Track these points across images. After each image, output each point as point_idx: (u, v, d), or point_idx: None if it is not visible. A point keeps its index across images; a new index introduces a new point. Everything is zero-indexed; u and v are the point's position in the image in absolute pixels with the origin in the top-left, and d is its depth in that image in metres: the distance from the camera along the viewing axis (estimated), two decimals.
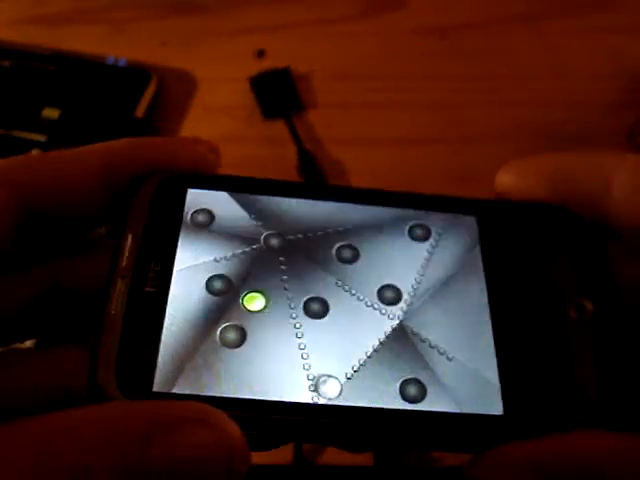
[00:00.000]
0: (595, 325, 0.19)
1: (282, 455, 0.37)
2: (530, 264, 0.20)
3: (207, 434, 0.14)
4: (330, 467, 0.37)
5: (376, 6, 0.54)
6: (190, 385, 0.17)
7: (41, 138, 0.45)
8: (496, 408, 0.17)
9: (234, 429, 0.15)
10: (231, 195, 0.20)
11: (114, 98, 0.48)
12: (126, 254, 0.18)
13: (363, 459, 0.36)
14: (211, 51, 0.52)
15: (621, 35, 0.51)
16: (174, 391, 0.17)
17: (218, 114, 0.49)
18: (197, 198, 0.20)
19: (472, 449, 0.17)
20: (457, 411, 0.17)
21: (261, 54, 0.52)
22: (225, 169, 0.48)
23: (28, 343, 0.32)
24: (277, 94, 0.49)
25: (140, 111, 0.47)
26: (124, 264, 0.18)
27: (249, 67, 0.50)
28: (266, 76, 0.50)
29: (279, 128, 0.48)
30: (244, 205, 0.20)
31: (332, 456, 0.37)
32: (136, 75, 0.49)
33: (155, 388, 0.17)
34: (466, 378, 0.18)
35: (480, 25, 0.53)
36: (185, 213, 0.19)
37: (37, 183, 0.18)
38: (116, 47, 0.51)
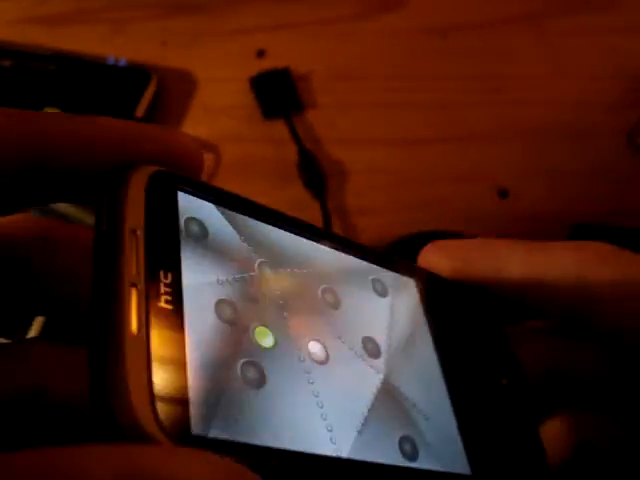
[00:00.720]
0: (511, 397, 0.21)
1: None
2: (459, 335, 0.21)
3: None
4: None
5: (376, 6, 0.54)
6: (223, 428, 0.14)
7: None
8: (465, 468, 0.18)
9: None
10: (218, 209, 0.18)
11: (114, 98, 0.48)
12: (132, 256, 0.14)
13: None
14: (211, 51, 0.52)
15: (621, 35, 0.51)
16: (211, 435, 0.14)
17: (218, 114, 0.49)
18: (187, 204, 0.17)
19: None
20: (440, 470, 0.18)
21: (261, 54, 0.52)
22: (225, 169, 0.48)
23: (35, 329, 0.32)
24: (277, 94, 0.49)
25: (140, 111, 0.47)
26: (133, 269, 0.14)
27: (249, 67, 0.50)
28: (266, 76, 0.50)
29: (279, 128, 0.48)
30: (233, 224, 0.18)
31: None
32: (136, 75, 0.49)
33: (193, 430, 0.13)
34: (441, 438, 0.18)
35: (480, 25, 0.53)
36: (180, 219, 0.16)
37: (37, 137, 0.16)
38: (116, 47, 0.51)
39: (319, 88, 0.50)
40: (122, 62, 0.50)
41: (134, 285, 0.14)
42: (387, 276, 0.21)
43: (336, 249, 0.20)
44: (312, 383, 0.16)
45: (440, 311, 0.21)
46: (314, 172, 0.46)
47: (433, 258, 0.23)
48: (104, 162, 0.17)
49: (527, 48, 0.52)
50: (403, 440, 0.17)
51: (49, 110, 0.46)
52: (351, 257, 0.20)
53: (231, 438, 0.14)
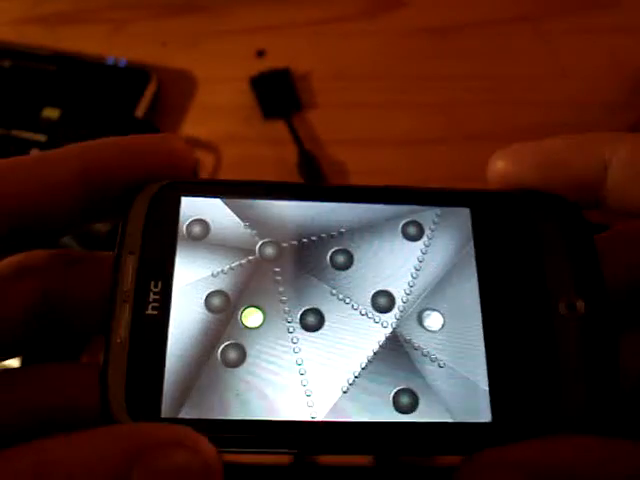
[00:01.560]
0: (586, 325, 0.18)
1: (282, 455, 0.37)
2: (523, 259, 0.19)
3: (187, 457, 0.15)
4: (330, 467, 0.37)
5: (376, 6, 0.54)
6: (195, 408, 0.17)
7: (41, 138, 0.45)
8: (485, 415, 0.17)
9: (211, 451, 0.15)
10: (224, 202, 0.19)
11: (114, 98, 0.48)
12: (126, 276, 0.18)
13: (363, 459, 0.36)
14: (211, 51, 0.52)
15: (621, 35, 0.51)
16: (181, 416, 0.17)
17: (218, 114, 0.49)
18: (191, 207, 0.19)
19: (461, 453, 0.17)
20: (448, 420, 0.17)
21: (261, 54, 0.52)
22: (225, 169, 0.48)
23: (14, 363, 0.32)
24: (277, 94, 0.49)
25: (140, 111, 0.47)
26: (125, 287, 0.18)
27: (249, 67, 0.50)
28: (266, 76, 0.50)
29: (279, 128, 0.48)
30: (238, 212, 0.19)
31: (332, 456, 0.37)
32: (136, 75, 0.49)
33: (163, 414, 0.17)
34: (457, 385, 0.18)
35: (480, 25, 0.53)
36: (180, 225, 0.19)
37: (14, 188, 0.18)
38: (116, 47, 0.51)
39: (319, 88, 0.50)
40: (122, 62, 0.50)
41: (125, 301, 0.18)
42: (426, 215, 0.20)
43: (361, 202, 0.20)
44: (297, 352, 0.18)
45: (496, 237, 0.20)
46: (314, 172, 0.46)
47: (506, 166, 0.19)
48: (123, 182, 0.19)
49: (527, 48, 0.52)
50: (400, 393, 0.18)
51: (49, 110, 0.46)
52: (378, 206, 0.20)
53: (202, 416, 0.17)
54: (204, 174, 0.46)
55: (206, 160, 0.47)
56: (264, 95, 0.49)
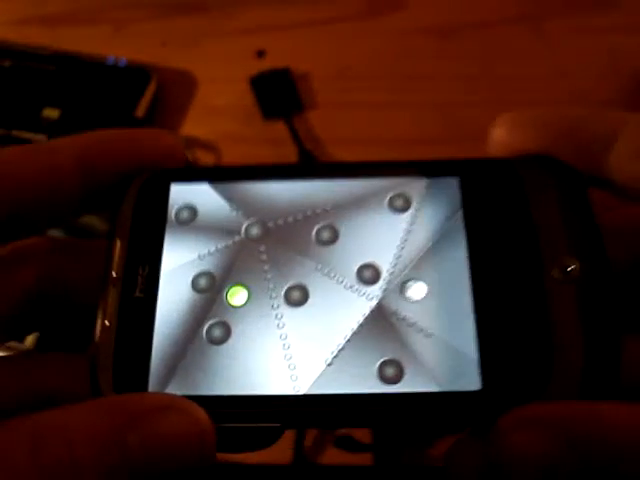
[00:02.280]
0: (581, 287, 0.18)
1: (282, 455, 0.37)
2: (514, 225, 0.19)
3: (178, 419, 0.16)
4: (330, 467, 0.37)
5: (376, 6, 0.54)
6: (181, 385, 0.18)
7: (41, 138, 0.45)
8: (474, 383, 0.17)
9: (202, 414, 0.16)
10: (212, 186, 0.20)
11: (114, 98, 0.48)
12: (116, 260, 0.19)
13: (363, 459, 0.36)
14: (211, 51, 0.52)
15: (621, 35, 0.51)
16: (167, 392, 0.18)
17: (218, 114, 0.49)
18: (180, 193, 0.20)
19: (450, 426, 0.17)
20: (434, 389, 0.17)
21: (261, 54, 0.52)
22: None
23: (30, 340, 0.32)
24: (277, 94, 0.49)
25: (140, 111, 0.47)
26: (114, 271, 0.19)
27: (249, 67, 0.50)
28: (266, 76, 0.50)
29: (279, 128, 0.48)
30: (225, 195, 0.20)
31: (332, 456, 0.37)
32: (136, 75, 0.49)
33: (150, 390, 0.18)
34: (444, 354, 0.18)
35: (480, 25, 0.53)
36: (169, 211, 0.20)
37: (13, 173, 0.18)
38: (116, 47, 0.51)
39: (319, 88, 0.50)
40: (122, 62, 0.50)
41: (114, 285, 0.18)
42: (414, 187, 0.20)
43: (345, 178, 0.20)
44: (282, 327, 0.18)
45: (485, 203, 0.19)
46: None
47: (507, 132, 0.19)
48: (118, 171, 0.20)
49: (527, 48, 0.52)
50: (385, 364, 0.18)
51: (49, 110, 0.47)
52: (363, 181, 0.20)
53: (187, 393, 0.17)
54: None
55: (206, 160, 0.47)
56: (264, 95, 0.49)
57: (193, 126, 0.49)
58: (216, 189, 0.20)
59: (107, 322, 0.18)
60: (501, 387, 0.17)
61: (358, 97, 0.50)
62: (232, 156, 0.47)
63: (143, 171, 0.20)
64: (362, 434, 0.36)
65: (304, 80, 0.50)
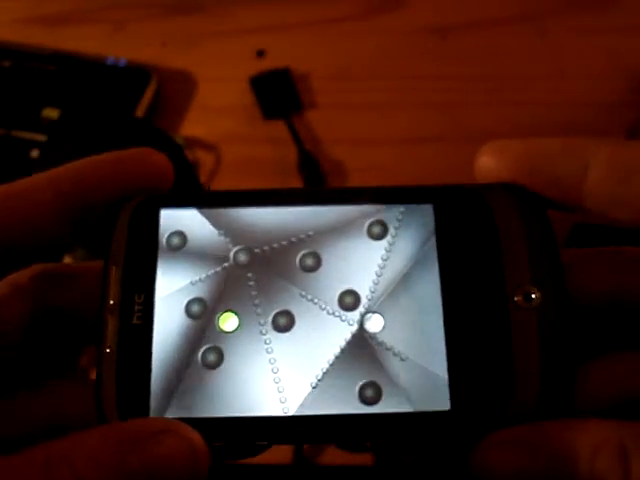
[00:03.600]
0: (541, 314, 0.19)
1: (282, 455, 0.37)
2: (483, 253, 0.20)
3: (173, 441, 0.17)
4: (330, 467, 0.37)
5: (376, 6, 0.54)
6: (179, 408, 0.19)
7: (41, 138, 0.45)
8: (444, 404, 0.19)
9: (195, 435, 0.17)
10: (201, 212, 0.21)
11: (114, 98, 0.48)
12: (112, 289, 0.19)
13: (363, 459, 0.36)
14: (211, 51, 0.52)
15: (621, 35, 0.51)
16: (167, 416, 0.19)
17: (218, 114, 0.49)
18: (170, 219, 0.20)
19: (424, 444, 0.19)
20: (409, 410, 0.19)
21: (261, 54, 0.52)
22: (225, 169, 0.48)
23: None
24: (277, 94, 0.49)
25: (140, 111, 0.47)
26: (111, 300, 0.19)
27: (249, 67, 0.50)
28: (266, 76, 0.50)
29: (279, 128, 0.48)
30: (213, 221, 0.21)
31: (332, 456, 0.37)
32: (136, 75, 0.49)
33: (151, 415, 0.19)
34: (418, 377, 0.19)
35: (480, 25, 0.53)
36: (160, 237, 0.20)
37: None
38: (116, 47, 0.51)
39: (319, 88, 0.50)
40: (122, 62, 0.50)
41: (112, 313, 0.19)
42: (391, 214, 0.20)
43: (327, 204, 0.21)
44: (270, 352, 0.19)
45: (458, 231, 0.20)
46: (314, 172, 0.46)
47: (493, 160, 0.20)
48: (104, 199, 0.20)
49: (527, 48, 0.52)
50: (365, 386, 0.19)
51: (49, 110, 0.46)
52: (344, 207, 0.21)
53: (186, 415, 0.18)
54: (204, 174, 0.46)
55: (206, 160, 0.47)
56: (264, 95, 0.49)
57: (193, 126, 0.49)
58: (204, 215, 0.21)
59: (108, 350, 0.19)
60: (467, 408, 0.19)
61: (358, 97, 0.50)
62: (232, 156, 0.47)
63: (132, 196, 0.20)
64: None
65: (304, 80, 0.50)
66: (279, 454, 0.37)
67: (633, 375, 0.19)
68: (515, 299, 0.19)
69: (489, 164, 0.20)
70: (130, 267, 0.20)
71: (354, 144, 0.47)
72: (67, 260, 0.40)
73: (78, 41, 0.51)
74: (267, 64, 0.51)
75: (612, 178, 0.19)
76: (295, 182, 0.46)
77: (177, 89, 0.50)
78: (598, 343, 0.20)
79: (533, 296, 0.19)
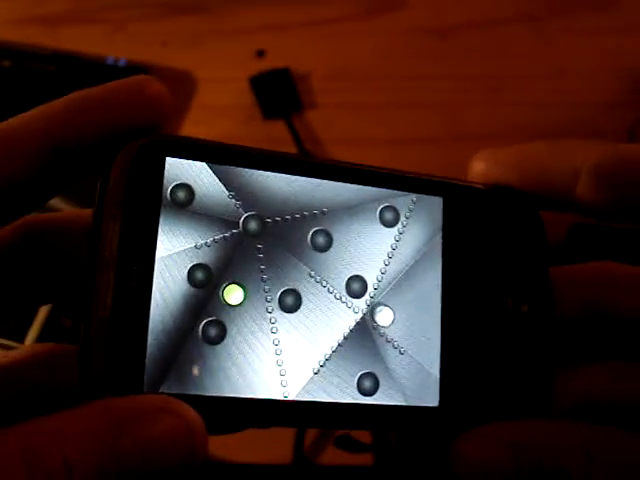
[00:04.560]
0: (528, 319, 0.20)
1: (282, 455, 0.37)
2: (483, 255, 0.20)
3: (169, 421, 0.16)
4: (330, 467, 0.37)
5: (376, 6, 0.54)
6: (175, 384, 0.17)
7: None
8: (433, 400, 0.19)
9: (193, 414, 0.16)
10: (210, 166, 0.19)
11: None
12: (107, 243, 0.17)
13: (363, 459, 0.36)
14: (211, 51, 0.52)
15: (621, 35, 0.51)
16: (161, 391, 0.17)
17: (218, 114, 0.49)
18: (176, 169, 0.18)
19: (414, 435, 0.20)
20: (402, 403, 0.19)
21: (261, 54, 0.52)
22: None
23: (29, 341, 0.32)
24: (277, 94, 0.49)
25: None
26: (107, 255, 0.17)
27: (249, 67, 0.50)
28: (266, 76, 0.50)
29: (279, 128, 0.48)
30: (224, 180, 0.19)
31: (332, 456, 0.37)
32: (136, 75, 0.49)
33: (145, 390, 0.17)
34: (413, 371, 0.19)
35: (480, 25, 0.53)
36: (164, 189, 0.18)
37: None
38: (116, 47, 0.51)
39: (319, 88, 0.50)
40: (122, 62, 0.50)
41: (106, 271, 0.17)
42: (402, 201, 0.20)
43: (343, 181, 0.20)
44: (275, 332, 0.18)
45: (463, 229, 0.20)
46: None
47: (486, 167, 0.21)
48: (96, 137, 0.18)
49: (527, 48, 0.52)
50: (364, 376, 0.19)
51: None
52: (359, 187, 0.20)
53: (182, 391, 0.17)
54: None
55: None
56: (264, 95, 0.49)
57: (193, 126, 0.49)
58: (213, 170, 0.19)
59: (101, 313, 0.17)
60: (455, 406, 0.19)
61: (358, 97, 0.50)
62: None
63: (129, 137, 0.18)
64: (362, 434, 0.36)
65: (304, 80, 0.50)
66: (279, 454, 0.37)
67: (601, 382, 0.20)
68: (507, 304, 0.20)
69: (481, 170, 0.21)
70: (129, 221, 0.17)
71: (354, 144, 0.47)
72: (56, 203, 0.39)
73: (78, 41, 0.51)
74: (267, 64, 0.51)
75: (602, 180, 0.19)
76: None
77: (177, 89, 0.50)
78: (574, 352, 0.21)
79: (523, 302, 0.20)
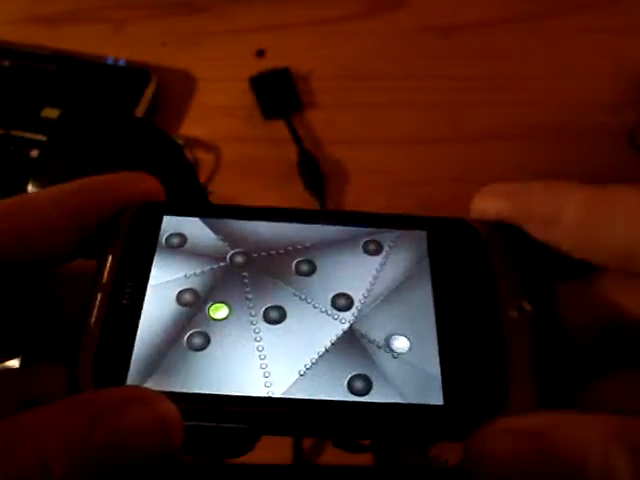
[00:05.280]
0: (533, 324, 0.20)
1: (282, 455, 0.37)
2: (473, 272, 0.21)
3: (140, 411, 0.16)
4: (330, 467, 0.37)
5: (377, 6, 0.54)
6: (158, 384, 0.18)
7: (41, 138, 0.45)
8: (437, 399, 0.19)
9: (166, 404, 0.16)
10: (202, 220, 0.22)
11: (114, 98, 0.48)
12: (106, 272, 0.20)
13: (363, 459, 0.36)
14: (211, 51, 0.52)
15: (621, 35, 0.51)
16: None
17: (218, 114, 0.49)
18: (172, 223, 0.21)
19: (414, 437, 0.19)
20: (400, 401, 0.19)
21: (261, 54, 0.52)
22: (225, 169, 0.48)
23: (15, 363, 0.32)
24: (277, 94, 0.49)
25: (140, 111, 0.47)
26: (104, 280, 0.20)
27: (249, 67, 0.50)
28: (266, 76, 0.50)
29: (279, 128, 0.48)
30: (214, 228, 0.21)
31: (332, 456, 0.37)
32: (136, 75, 0.49)
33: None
34: (409, 373, 0.19)
35: (481, 25, 0.53)
36: (160, 236, 0.21)
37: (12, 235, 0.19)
38: (116, 47, 0.51)
39: (319, 88, 0.50)
40: (122, 62, 0.50)
41: (103, 292, 0.20)
42: (386, 235, 0.22)
43: (324, 224, 0.22)
44: (259, 341, 0.19)
45: (449, 255, 0.21)
46: (314, 172, 0.46)
47: (487, 204, 0.22)
48: (104, 215, 0.21)
49: (528, 48, 0.52)
50: (354, 378, 0.19)
51: (49, 110, 0.47)
52: (341, 227, 0.22)
53: (163, 389, 0.18)
54: (204, 174, 0.46)
55: (206, 160, 0.47)
56: (264, 95, 0.49)
57: (193, 126, 0.49)
58: (206, 223, 0.22)
59: (93, 320, 0.19)
60: (460, 404, 0.19)
61: (358, 97, 0.50)
62: (232, 156, 0.47)
63: (127, 206, 0.21)
64: None
65: (304, 80, 0.50)
66: (279, 454, 0.37)
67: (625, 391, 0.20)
68: (508, 311, 0.20)
69: (481, 206, 0.22)
70: (126, 256, 0.20)
71: (354, 144, 0.47)
72: None
73: (78, 41, 0.51)
74: (267, 64, 0.51)
75: (587, 220, 0.20)
76: (295, 182, 0.46)
77: (177, 89, 0.50)
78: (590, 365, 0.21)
79: (525, 307, 0.20)
